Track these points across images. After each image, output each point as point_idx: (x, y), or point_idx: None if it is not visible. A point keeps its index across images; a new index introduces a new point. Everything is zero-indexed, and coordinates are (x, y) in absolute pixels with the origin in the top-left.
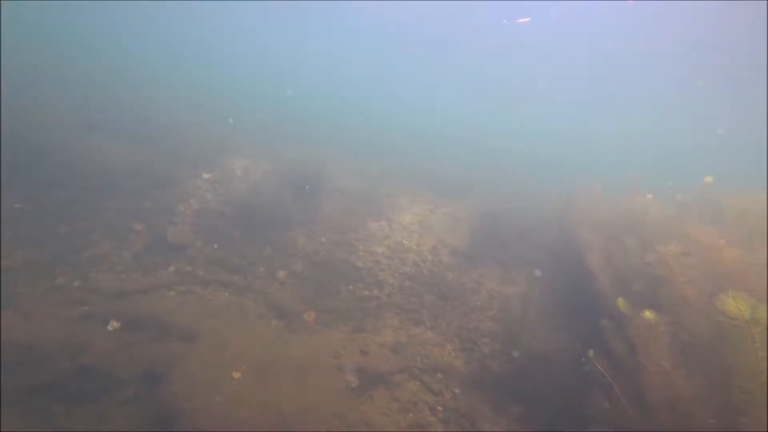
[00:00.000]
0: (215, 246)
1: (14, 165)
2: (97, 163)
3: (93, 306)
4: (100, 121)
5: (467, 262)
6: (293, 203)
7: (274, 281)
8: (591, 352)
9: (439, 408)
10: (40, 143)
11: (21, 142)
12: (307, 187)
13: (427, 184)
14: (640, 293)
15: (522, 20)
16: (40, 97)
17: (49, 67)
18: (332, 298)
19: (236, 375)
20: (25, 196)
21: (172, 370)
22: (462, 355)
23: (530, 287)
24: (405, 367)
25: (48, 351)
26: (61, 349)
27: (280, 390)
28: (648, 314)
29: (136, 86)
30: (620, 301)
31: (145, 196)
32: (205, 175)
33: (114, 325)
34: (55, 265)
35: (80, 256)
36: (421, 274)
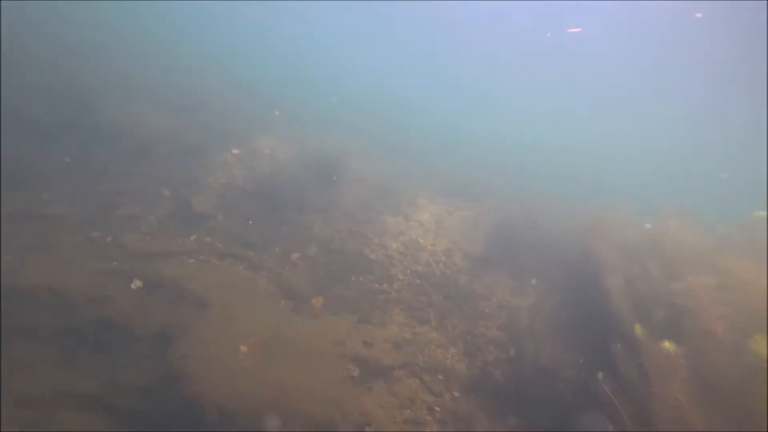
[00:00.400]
0: (235, 220)
1: (67, 122)
2: (138, 128)
3: (120, 263)
4: (146, 88)
5: (480, 267)
6: (314, 188)
7: (287, 262)
8: (601, 375)
9: (437, 408)
10: (91, 103)
11: (74, 102)
12: (334, 177)
13: (449, 185)
14: (661, 322)
15: (572, 30)
16: (96, 62)
17: (107, 35)
18: (342, 287)
19: (242, 348)
20: (74, 151)
21: (184, 334)
22: (465, 359)
23: (541, 300)
24: (406, 363)
25: (77, 299)
26: (88, 300)
27: (282, 369)
28: (667, 344)
29: (185, 60)
30: (637, 327)
31: (176, 164)
32: (235, 151)
33: (137, 283)
34: (92, 219)
35: (114, 214)
36: (433, 274)
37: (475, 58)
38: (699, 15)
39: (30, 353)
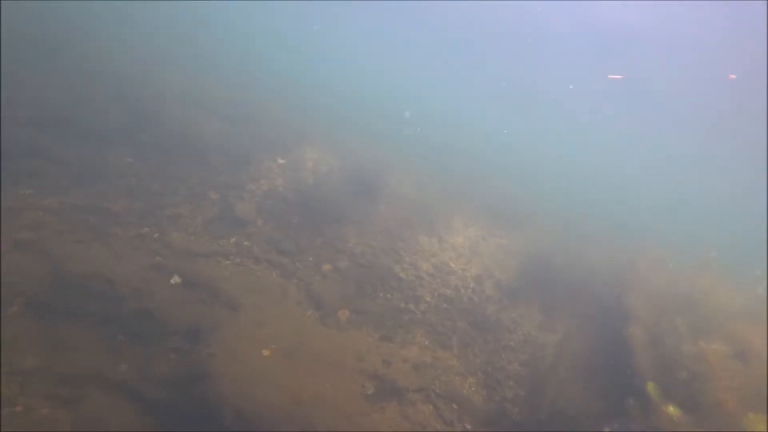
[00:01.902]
0: (274, 227)
1: (132, 126)
2: (193, 134)
3: (164, 258)
4: (203, 98)
5: (509, 298)
6: (352, 201)
7: (319, 273)
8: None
9: None
10: (154, 111)
11: (140, 108)
12: (372, 192)
13: (486, 210)
14: (676, 383)
15: (614, 77)
16: (160, 72)
17: (171, 47)
18: (368, 302)
19: (266, 353)
20: (135, 153)
21: (213, 333)
22: (483, 391)
23: (568, 340)
24: (423, 387)
25: (123, 289)
26: (133, 291)
27: (301, 377)
28: (672, 409)
29: (242, 72)
30: (650, 386)
31: (224, 170)
32: (280, 160)
33: (176, 279)
34: (144, 216)
35: (163, 213)
36: (461, 299)
37: (535, 78)
38: (733, 77)
39: (76, 334)
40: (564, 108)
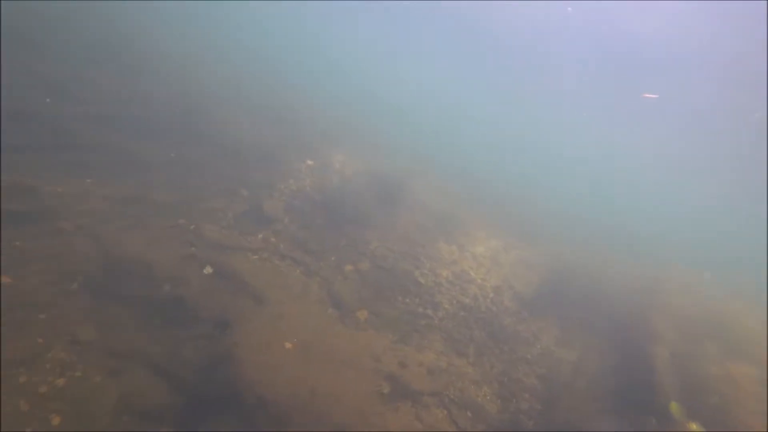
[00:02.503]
0: (299, 226)
1: (175, 123)
2: (230, 133)
3: (198, 249)
4: (242, 99)
5: (528, 311)
6: (376, 205)
7: (340, 273)
8: None
9: None
10: (196, 109)
11: (183, 107)
12: (396, 197)
13: (509, 221)
14: (700, 404)
15: (648, 95)
16: (202, 73)
17: (214, 50)
18: (387, 305)
19: (287, 345)
20: (177, 148)
21: (239, 323)
22: (497, 401)
23: (587, 357)
24: (437, 392)
25: (161, 275)
26: (169, 277)
27: (319, 371)
28: (694, 426)
29: (279, 75)
30: (673, 405)
31: (257, 168)
32: (308, 162)
33: (208, 270)
34: (181, 208)
35: (198, 206)
36: (479, 308)
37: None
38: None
39: (121, 313)
40: (592, 120)
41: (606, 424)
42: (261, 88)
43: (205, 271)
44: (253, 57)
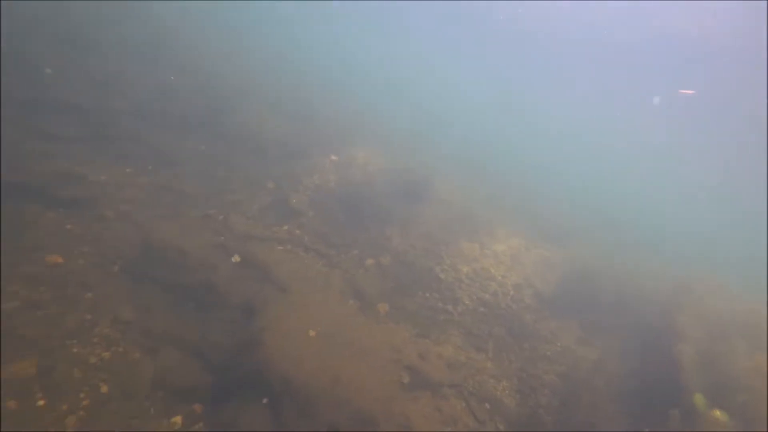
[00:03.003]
0: (323, 219)
1: (205, 118)
2: (257, 129)
3: (226, 239)
4: (269, 96)
5: (549, 310)
6: (398, 201)
7: (362, 266)
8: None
9: None
10: (225, 105)
11: (213, 103)
12: (419, 194)
13: (532, 221)
14: (727, 401)
15: (685, 92)
16: (232, 70)
17: (242, 48)
18: (407, 299)
19: (311, 333)
20: (207, 141)
21: (265, 310)
22: (516, 396)
23: (608, 356)
24: (456, 384)
25: (192, 262)
26: (199, 264)
27: (341, 359)
28: (719, 413)
29: (305, 74)
30: (697, 397)
31: (282, 163)
32: (333, 157)
33: (236, 258)
34: (211, 199)
35: (227, 197)
36: (498, 305)
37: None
38: None
39: (157, 296)
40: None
41: (625, 423)
42: (288, 86)
43: (233, 260)
44: (280, 57)
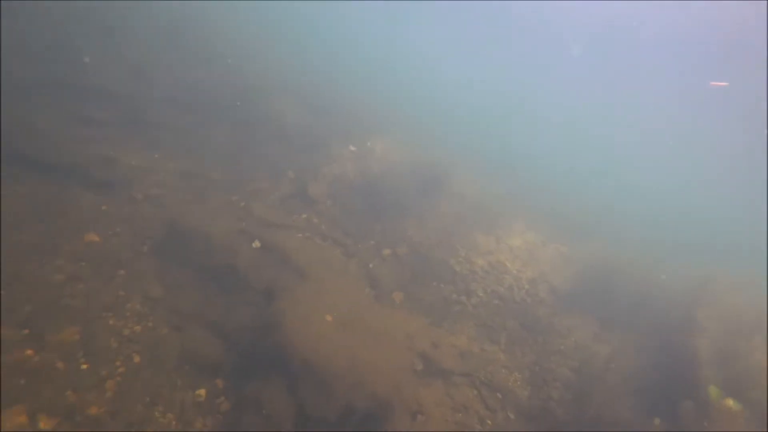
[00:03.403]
0: (341, 208)
1: (230, 107)
2: (280, 118)
3: (247, 224)
4: (293, 87)
5: (564, 305)
6: (416, 193)
7: (378, 256)
8: (657, 420)
9: (489, 422)
10: (251, 95)
11: (238, 92)
12: (436, 186)
13: (550, 216)
14: (740, 394)
15: (717, 83)
16: (258, 61)
17: (270, 39)
18: (422, 289)
19: (328, 317)
20: (231, 130)
21: (284, 294)
22: (528, 387)
23: (624, 352)
24: (468, 373)
25: (216, 245)
26: (222, 247)
27: (357, 344)
28: (731, 402)
29: (328, 65)
30: (712, 389)
31: (302, 151)
32: (352, 148)
33: (256, 244)
34: (234, 185)
35: (248, 185)
36: (513, 299)
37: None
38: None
39: (183, 276)
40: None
41: (638, 417)
42: (311, 79)
43: (253, 245)
44: (304, 51)
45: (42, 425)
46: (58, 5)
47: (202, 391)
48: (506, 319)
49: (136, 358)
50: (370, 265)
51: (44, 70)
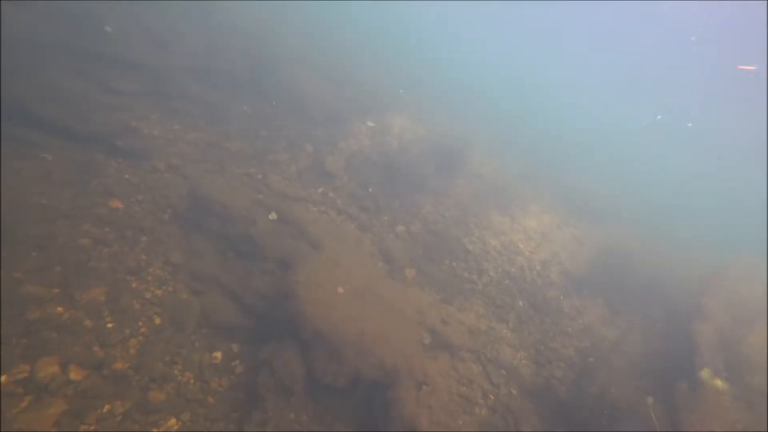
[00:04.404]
0: (357, 184)
1: (251, 79)
2: (300, 92)
3: (264, 196)
4: (313, 62)
5: (574, 288)
6: (432, 171)
7: (392, 232)
8: (650, 400)
9: (491, 396)
10: (270, 68)
11: (259, 65)
12: (453, 165)
13: (567, 200)
14: (739, 378)
15: (745, 67)
16: (278, 35)
17: (291, 14)
18: (434, 266)
19: (340, 289)
20: (251, 102)
21: (299, 264)
22: (532, 366)
23: (630, 336)
24: (475, 349)
25: (234, 215)
26: (241, 218)
27: (368, 316)
28: (719, 383)
29: (351, 41)
30: (705, 371)
31: (321, 126)
32: (369, 123)
33: (273, 216)
34: (252, 157)
35: (267, 157)
36: (524, 279)
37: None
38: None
39: (202, 243)
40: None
41: (635, 396)
42: (332, 54)
43: (270, 217)
44: (325, 22)
45: (72, 375)
46: None
47: (218, 354)
48: (516, 299)
49: (157, 320)
50: (385, 241)
51: (69, 39)
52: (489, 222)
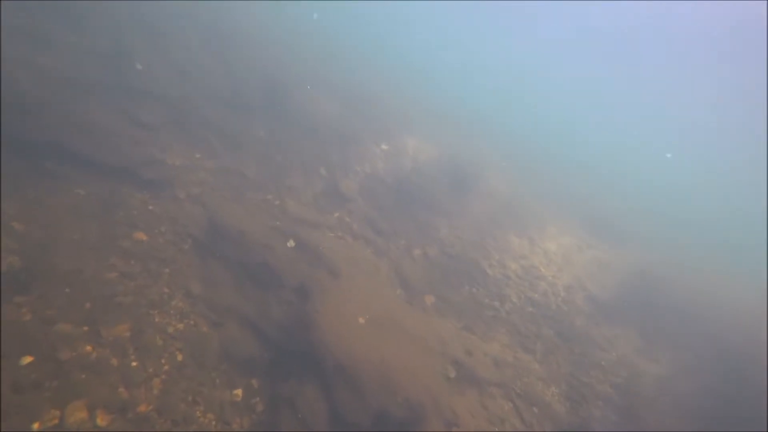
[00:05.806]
0: (372, 207)
1: (265, 104)
2: (313, 116)
3: (282, 222)
4: (327, 85)
5: (602, 315)
6: (447, 193)
7: (409, 256)
8: None
9: None
10: (284, 92)
11: (273, 90)
12: (468, 186)
13: (586, 220)
14: None
15: None
16: (292, 59)
17: (304, 37)
18: (453, 292)
19: (360, 320)
20: (265, 127)
21: (317, 293)
22: (566, 402)
23: (675, 373)
24: (503, 383)
25: (251, 242)
26: (258, 245)
27: (390, 347)
28: None
29: (363, 64)
30: None
31: (335, 149)
32: (383, 146)
33: (291, 243)
34: (268, 183)
35: (283, 183)
36: (548, 306)
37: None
38: None
39: (221, 273)
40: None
41: None
42: (347, 76)
43: (288, 245)
44: (336, 46)
45: (99, 421)
46: (116, 5)
47: (238, 391)
48: (541, 327)
49: (179, 356)
50: (402, 265)
51: (103, 76)
52: (507, 244)
